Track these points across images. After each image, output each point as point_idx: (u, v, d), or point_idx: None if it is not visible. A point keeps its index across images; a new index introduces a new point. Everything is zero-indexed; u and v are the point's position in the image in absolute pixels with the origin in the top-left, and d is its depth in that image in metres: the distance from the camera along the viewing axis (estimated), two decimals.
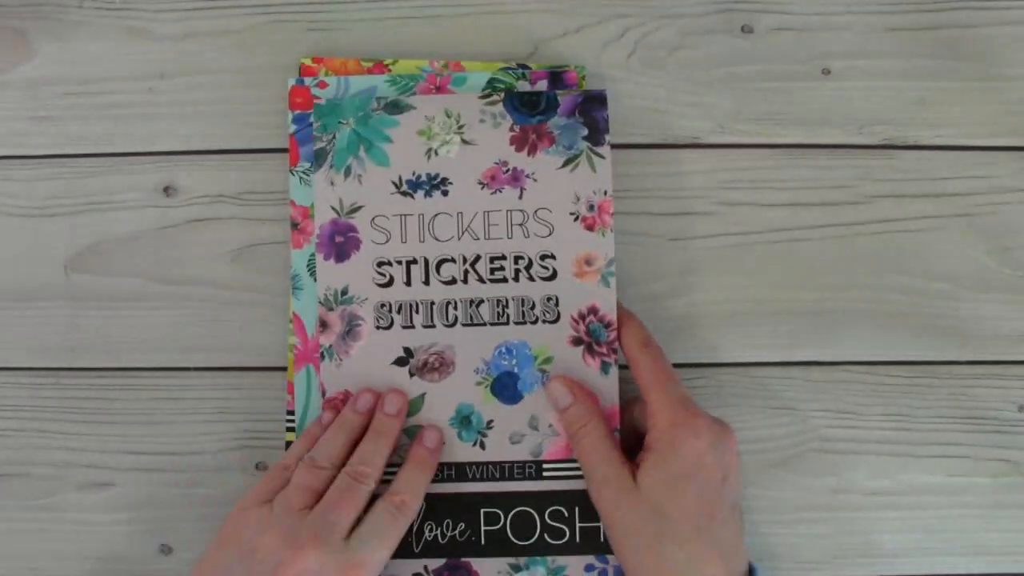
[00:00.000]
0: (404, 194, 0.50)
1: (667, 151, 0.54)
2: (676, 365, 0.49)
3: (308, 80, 0.52)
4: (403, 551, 0.49)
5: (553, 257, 0.50)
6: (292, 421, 0.52)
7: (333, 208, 0.51)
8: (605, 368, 0.50)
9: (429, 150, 0.51)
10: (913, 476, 0.53)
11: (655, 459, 0.46)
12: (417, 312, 0.50)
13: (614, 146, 0.53)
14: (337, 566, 0.44)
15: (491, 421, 0.50)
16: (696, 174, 0.54)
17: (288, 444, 0.52)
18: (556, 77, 0.52)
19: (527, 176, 0.50)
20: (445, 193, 0.50)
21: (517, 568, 0.50)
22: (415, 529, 0.50)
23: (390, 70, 0.53)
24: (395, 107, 0.51)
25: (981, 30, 0.54)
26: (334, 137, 0.51)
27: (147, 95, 0.54)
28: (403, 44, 0.53)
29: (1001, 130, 0.54)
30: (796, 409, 0.53)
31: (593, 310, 0.50)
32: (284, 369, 0.53)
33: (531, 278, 0.50)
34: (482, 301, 0.50)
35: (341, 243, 0.50)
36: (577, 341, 0.50)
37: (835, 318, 0.53)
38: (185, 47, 0.54)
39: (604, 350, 0.50)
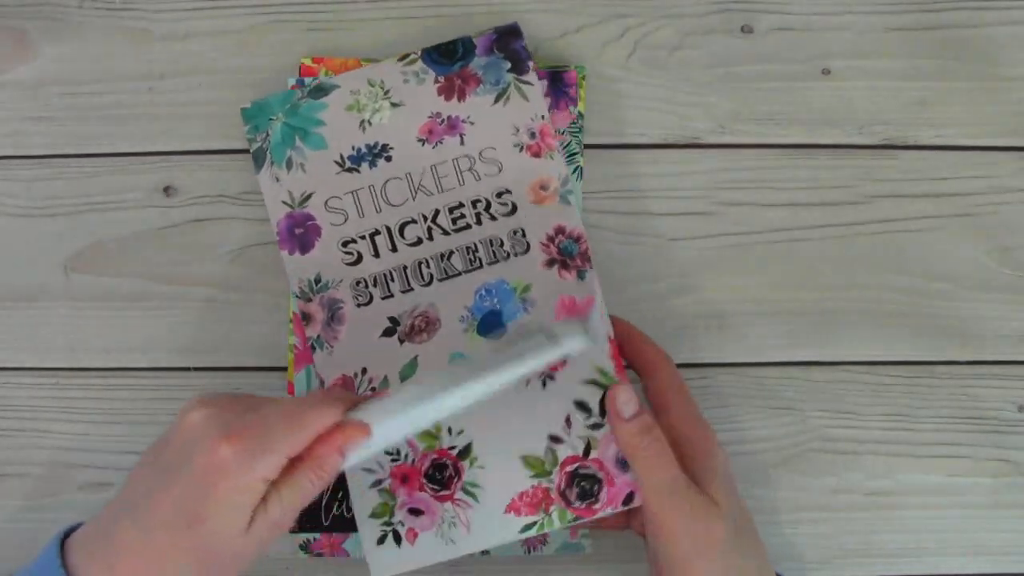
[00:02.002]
0: (349, 170, 0.51)
1: (667, 151, 0.54)
2: (676, 365, 0.49)
3: (308, 80, 0.52)
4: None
5: (509, 192, 0.50)
6: None
7: (285, 203, 0.51)
8: (581, 275, 0.50)
9: (362, 122, 0.51)
10: (913, 476, 0.53)
11: (722, 477, 0.46)
12: (392, 280, 0.50)
13: (614, 146, 0.53)
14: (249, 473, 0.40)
15: None
16: (696, 174, 0.54)
17: None
18: (556, 77, 0.52)
19: (463, 121, 0.51)
20: (389, 159, 0.51)
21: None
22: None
23: None
24: (319, 91, 0.52)
25: (981, 30, 0.54)
26: (267, 135, 0.51)
27: (147, 95, 0.54)
28: (403, 44, 0.53)
29: (1001, 130, 0.54)
30: (796, 409, 0.53)
31: (560, 230, 0.50)
32: (284, 369, 0.53)
33: (493, 217, 0.50)
34: (452, 252, 0.50)
35: (302, 234, 0.51)
36: (551, 263, 0.50)
37: (835, 318, 0.53)
38: (185, 47, 0.54)
39: (578, 262, 0.50)
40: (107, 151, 0.54)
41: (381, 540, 0.49)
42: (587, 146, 0.53)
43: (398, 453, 0.49)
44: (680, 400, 0.48)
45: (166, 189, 0.54)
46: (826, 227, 0.54)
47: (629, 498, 0.47)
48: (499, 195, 0.50)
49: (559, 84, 0.52)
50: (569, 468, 0.48)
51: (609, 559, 0.53)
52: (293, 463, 0.42)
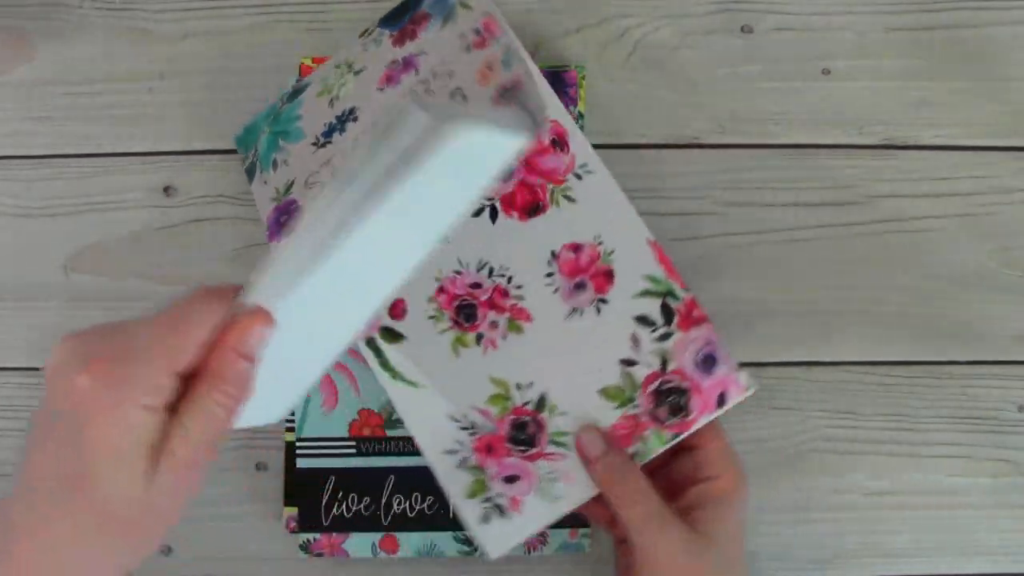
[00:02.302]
0: (323, 145, 0.50)
1: (667, 151, 0.54)
2: None
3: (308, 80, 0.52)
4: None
5: (460, 88, 0.48)
6: (292, 421, 0.52)
7: (272, 199, 0.51)
8: (506, 62, 0.48)
9: (331, 100, 0.51)
10: (913, 476, 0.53)
11: (725, 507, 0.45)
12: None
13: (614, 146, 0.53)
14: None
15: None
16: (696, 174, 0.54)
17: (288, 444, 0.52)
18: (556, 77, 0.52)
19: (417, 56, 0.50)
20: (355, 119, 0.50)
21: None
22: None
23: None
24: (295, 92, 0.52)
25: (981, 30, 0.54)
26: (256, 149, 0.52)
27: (147, 95, 0.54)
28: None
29: (1001, 130, 0.54)
30: (796, 409, 0.53)
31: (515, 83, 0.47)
32: None
33: None
34: None
35: (286, 220, 0.50)
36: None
37: (835, 318, 0.53)
38: (185, 47, 0.54)
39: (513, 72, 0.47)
40: (107, 151, 0.54)
41: (485, 519, 0.48)
42: None
43: (474, 426, 0.48)
44: (715, 440, 0.46)
45: (166, 189, 0.54)
46: (826, 227, 0.54)
47: (721, 399, 0.46)
48: (452, 95, 0.48)
49: (559, 84, 0.52)
50: (651, 387, 0.46)
51: (609, 559, 0.53)
52: (192, 385, 0.34)
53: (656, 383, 0.46)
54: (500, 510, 0.48)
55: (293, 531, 0.52)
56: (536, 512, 0.47)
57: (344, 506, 0.51)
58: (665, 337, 0.46)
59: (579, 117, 0.52)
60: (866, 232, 0.53)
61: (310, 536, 0.52)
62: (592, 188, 0.48)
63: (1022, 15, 0.54)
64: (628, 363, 0.47)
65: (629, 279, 0.47)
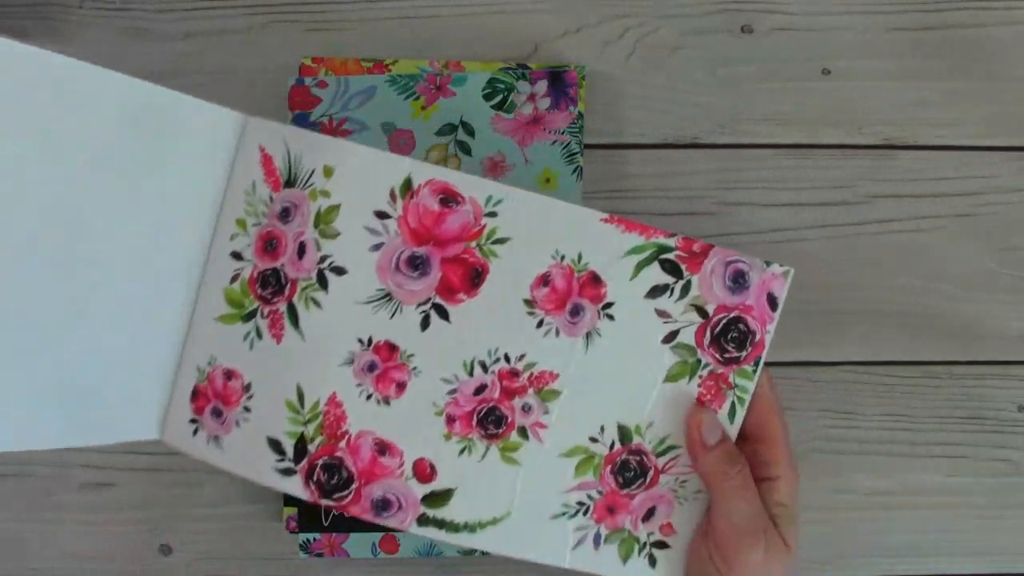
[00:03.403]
0: None
1: (667, 151, 0.54)
2: None
3: (308, 80, 0.52)
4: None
5: None
6: None
7: None
8: None
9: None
10: (913, 476, 0.53)
11: (794, 517, 0.43)
12: None
13: (614, 146, 0.53)
14: None
15: None
16: (696, 174, 0.54)
17: None
18: (556, 77, 0.52)
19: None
20: None
21: None
22: None
23: (390, 70, 0.53)
24: None
25: (981, 30, 0.54)
26: None
27: None
28: (403, 44, 0.53)
29: (1001, 130, 0.54)
30: (796, 409, 0.53)
31: None
32: None
33: None
34: None
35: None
36: None
37: (835, 318, 0.53)
38: (185, 47, 0.54)
39: None
40: None
41: (652, 562, 0.44)
42: (587, 146, 0.53)
43: (580, 505, 0.44)
44: (781, 431, 0.44)
45: None
46: (826, 227, 0.54)
47: (772, 301, 0.43)
48: None
49: (559, 84, 0.52)
50: (707, 339, 0.43)
51: None
52: None
53: (708, 332, 0.43)
54: (661, 545, 0.44)
55: (293, 531, 0.52)
56: (689, 520, 0.44)
57: None
58: (686, 290, 0.43)
59: (579, 117, 0.52)
60: (866, 232, 0.54)
61: (310, 536, 0.52)
62: (514, 215, 0.42)
63: (1022, 15, 0.54)
64: (670, 338, 0.43)
65: (614, 267, 0.43)
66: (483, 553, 0.52)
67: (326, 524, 0.51)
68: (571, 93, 0.52)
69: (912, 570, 0.53)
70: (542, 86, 0.52)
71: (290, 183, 0.43)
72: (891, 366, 0.53)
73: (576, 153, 0.52)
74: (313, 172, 0.42)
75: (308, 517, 0.51)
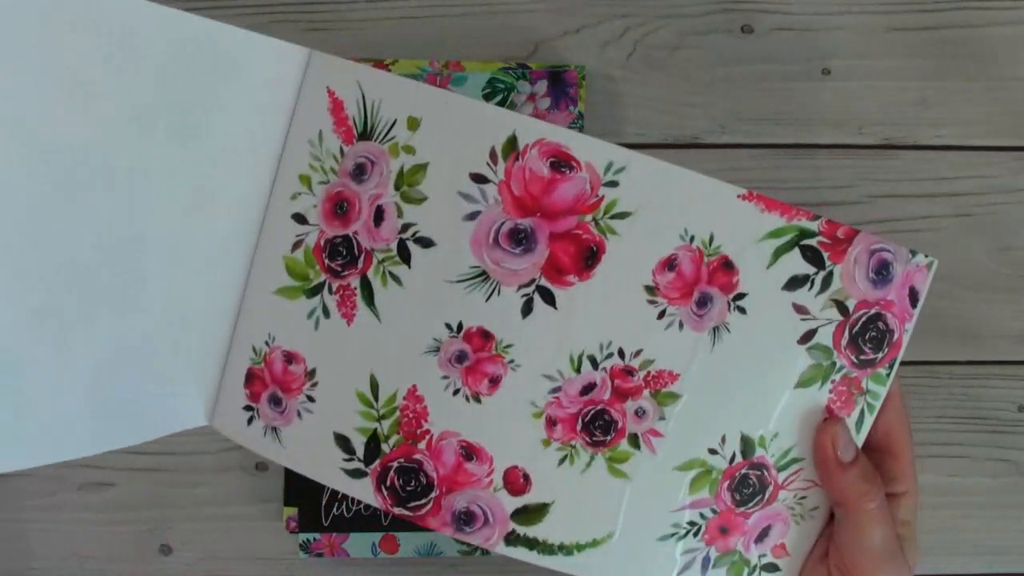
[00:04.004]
0: None
1: (667, 151, 0.54)
2: None
3: None
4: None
5: None
6: None
7: None
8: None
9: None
10: None
11: (915, 541, 0.40)
12: None
13: None
14: None
15: None
16: None
17: None
18: (556, 77, 0.52)
19: None
20: None
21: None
22: None
23: (390, 70, 0.53)
24: None
25: (981, 30, 0.54)
26: None
27: None
28: (403, 44, 0.53)
29: (1001, 130, 0.54)
30: None
31: None
32: None
33: None
34: None
35: None
36: None
37: None
38: None
39: None
40: None
41: None
42: None
43: (692, 524, 0.38)
44: (909, 442, 0.39)
45: None
46: None
47: (914, 296, 0.38)
48: None
49: (559, 84, 0.52)
50: (844, 339, 0.37)
51: None
52: None
53: (847, 331, 0.37)
54: (771, 568, 0.39)
55: (293, 531, 0.52)
56: (804, 540, 0.39)
57: (344, 506, 0.51)
58: (827, 282, 0.37)
59: (579, 117, 0.52)
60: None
61: (310, 536, 0.52)
62: (637, 186, 0.36)
63: (1022, 15, 0.54)
64: (807, 338, 0.37)
65: (749, 252, 0.36)
66: (483, 552, 0.51)
67: (326, 524, 0.51)
68: (571, 93, 0.52)
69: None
70: (542, 86, 0.52)
71: (366, 135, 0.36)
72: None
73: None
74: (395, 123, 0.36)
75: (308, 517, 0.51)
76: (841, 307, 0.37)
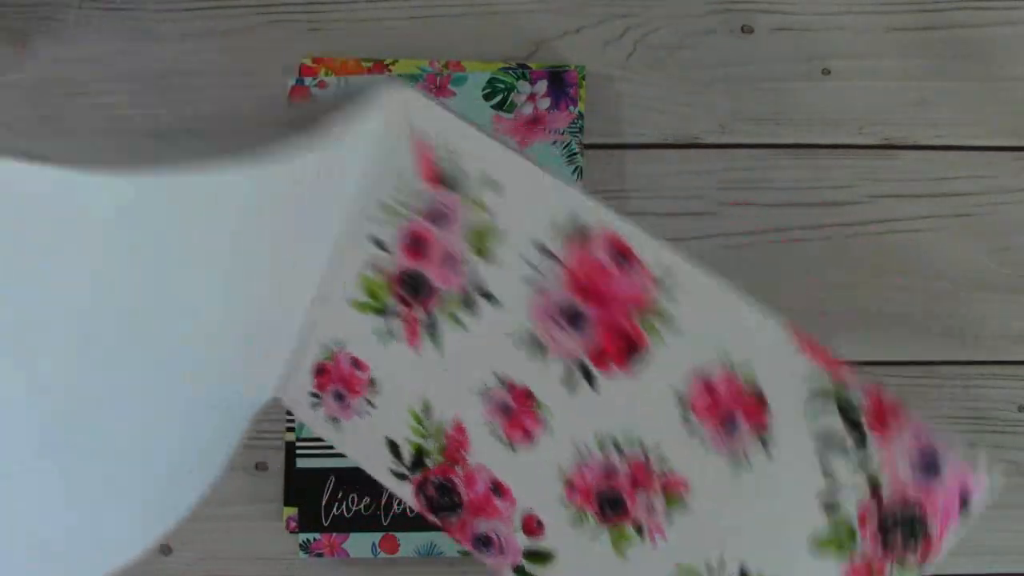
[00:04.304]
0: None
1: (667, 151, 0.54)
2: None
3: (308, 80, 0.53)
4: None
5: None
6: (292, 421, 0.52)
7: None
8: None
9: None
10: None
11: None
12: None
13: (614, 146, 0.53)
14: None
15: None
16: (696, 174, 0.54)
17: (288, 444, 0.52)
18: (556, 77, 0.52)
19: None
20: None
21: None
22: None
23: (390, 70, 0.53)
24: None
25: (981, 30, 0.54)
26: None
27: (147, 95, 0.54)
28: (403, 44, 0.53)
29: (1001, 130, 0.54)
30: None
31: None
32: None
33: None
34: None
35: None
36: None
37: (835, 318, 0.53)
38: (185, 47, 0.54)
39: None
40: None
41: None
42: (587, 146, 0.53)
43: None
44: None
45: None
46: (826, 227, 0.54)
47: (965, 501, 0.36)
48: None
49: (559, 84, 0.52)
50: (870, 521, 0.36)
51: None
52: None
53: (875, 514, 0.35)
54: None
55: (293, 531, 0.52)
56: None
57: (344, 506, 0.51)
58: (863, 455, 0.35)
59: (579, 117, 0.52)
60: (866, 232, 0.53)
61: (310, 536, 0.52)
62: (687, 296, 0.36)
63: (1022, 15, 0.54)
64: (830, 502, 0.36)
65: (786, 393, 0.36)
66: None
67: (326, 524, 0.51)
68: (571, 93, 0.52)
69: None
70: (542, 86, 0.52)
71: (447, 183, 0.38)
72: (891, 366, 0.53)
73: (576, 153, 0.52)
74: (475, 178, 0.37)
75: (308, 517, 0.51)
76: (873, 484, 0.35)
